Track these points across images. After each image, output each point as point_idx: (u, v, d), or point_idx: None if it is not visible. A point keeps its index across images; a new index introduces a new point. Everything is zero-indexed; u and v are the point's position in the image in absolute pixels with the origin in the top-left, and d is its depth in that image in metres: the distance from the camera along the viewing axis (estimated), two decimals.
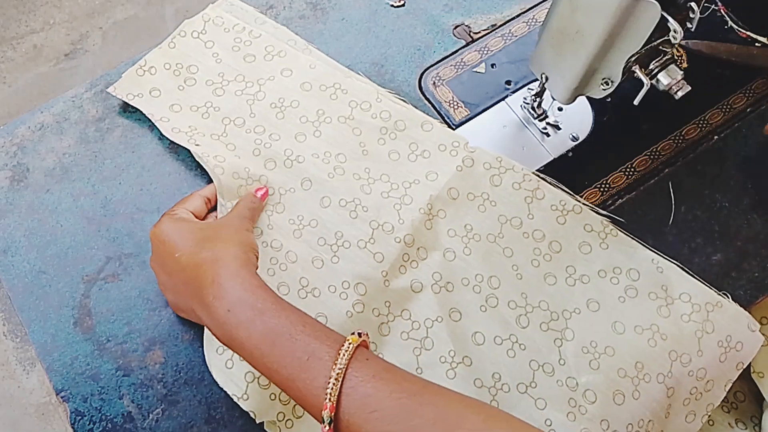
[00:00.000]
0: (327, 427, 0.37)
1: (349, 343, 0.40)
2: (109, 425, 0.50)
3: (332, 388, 0.38)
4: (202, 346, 0.52)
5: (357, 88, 0.58)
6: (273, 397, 0.49)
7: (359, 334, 0.41)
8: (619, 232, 0.52)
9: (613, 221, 0.53)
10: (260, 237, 0.53)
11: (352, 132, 0.56)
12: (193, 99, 0.59)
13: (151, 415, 0.50)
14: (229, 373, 0.50)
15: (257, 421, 0.49)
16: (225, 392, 0.50)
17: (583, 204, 0.52)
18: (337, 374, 0.38)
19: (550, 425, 0.48)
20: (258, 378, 0.49)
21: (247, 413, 0.49)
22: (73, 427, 0.50)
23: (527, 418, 0.47)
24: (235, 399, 0.49)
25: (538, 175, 0.54)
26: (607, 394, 0.49)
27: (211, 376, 0.51)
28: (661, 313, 0.50)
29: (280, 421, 0.49)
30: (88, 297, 0.54)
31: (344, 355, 0.39)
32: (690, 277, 0.51)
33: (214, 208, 0.55)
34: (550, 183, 0.53)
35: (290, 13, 0.65)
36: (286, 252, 0.53)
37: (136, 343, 0.52)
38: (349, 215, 0.54)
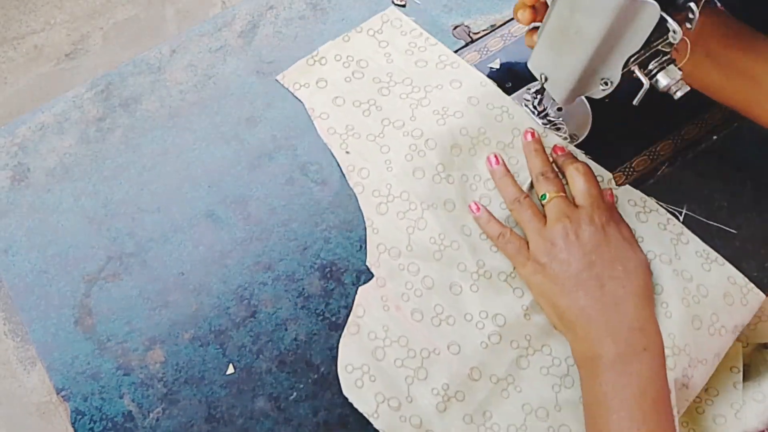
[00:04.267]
0: None
1: None
2: (110, 424, 0.50)
3: None
4: (202, 345, 0.52)
5: (524, 117, 0.56)
6: (403, 419, 0.48)
7: None
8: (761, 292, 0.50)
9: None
10: (398, 259, 0.52)
11: (509, 161, 0.54)
12: (358, 94, 0.58)
13: (151, 414, 0.51)
14: (359, 392, 0.49)
15: None
16: (225, 391, 0.51)
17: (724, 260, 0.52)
18: None
19: None
20: (388, 400, 0.48)
21: (246, 411, 0.50)
22: (73, 426, 0.50)
23: None
24: (367, 416, 0.49)
25: (680, 222, 0.53)
26: None
27: (212, 375, 0.51)
28: None
29: None
30: (88, 296, 0.54)
31: None
32: None
33: None
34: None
35: (290, 13, 0.65)
36: (422, 277, 0.51)
37: (136, 342, 0.53)
38: (490, 247, 0.52)
